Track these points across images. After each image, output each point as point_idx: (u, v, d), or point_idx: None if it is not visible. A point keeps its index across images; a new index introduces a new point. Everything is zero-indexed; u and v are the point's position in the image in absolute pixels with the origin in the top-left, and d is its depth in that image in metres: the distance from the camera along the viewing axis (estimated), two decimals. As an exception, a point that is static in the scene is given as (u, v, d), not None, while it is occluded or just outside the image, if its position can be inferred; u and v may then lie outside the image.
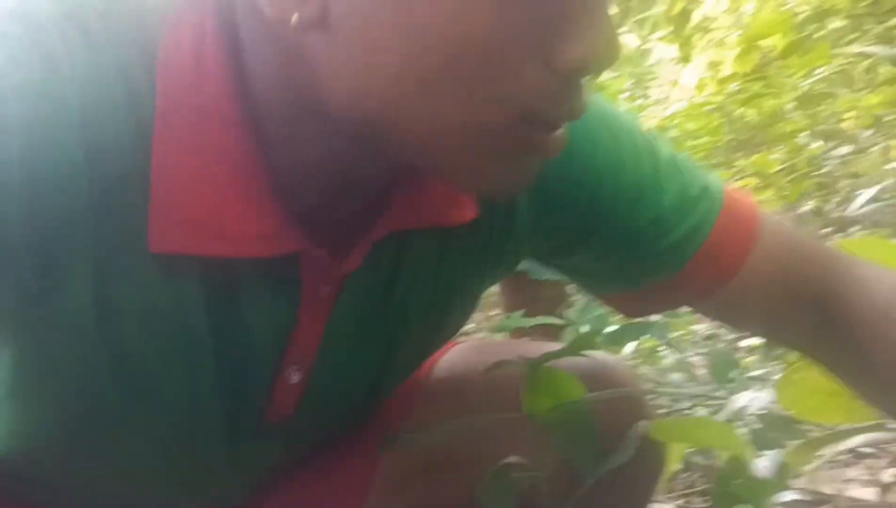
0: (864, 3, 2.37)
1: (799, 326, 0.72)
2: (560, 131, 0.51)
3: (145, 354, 0.55)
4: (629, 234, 0.67)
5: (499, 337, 1.38)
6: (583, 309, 1.08)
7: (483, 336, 1.63)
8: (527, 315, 1.07)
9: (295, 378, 0.62)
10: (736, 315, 0.74)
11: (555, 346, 0.83)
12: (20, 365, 0.55)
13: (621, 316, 1.18)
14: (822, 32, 2.20)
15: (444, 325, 0.73)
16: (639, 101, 4.81)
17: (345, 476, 0.78)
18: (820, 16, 2.05)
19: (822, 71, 2.15)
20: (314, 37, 0.48)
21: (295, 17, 0.46)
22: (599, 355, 0.79)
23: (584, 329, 1.05)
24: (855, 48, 1.89)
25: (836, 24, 2.39)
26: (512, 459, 0.71)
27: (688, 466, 1.30)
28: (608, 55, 0.48)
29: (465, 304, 0.73)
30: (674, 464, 0.86)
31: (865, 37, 2.28)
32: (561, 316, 1.12)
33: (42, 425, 0.59)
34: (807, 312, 0.70)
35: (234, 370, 0.59)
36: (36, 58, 0.48)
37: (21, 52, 0.49)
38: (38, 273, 0.50)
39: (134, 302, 0.53)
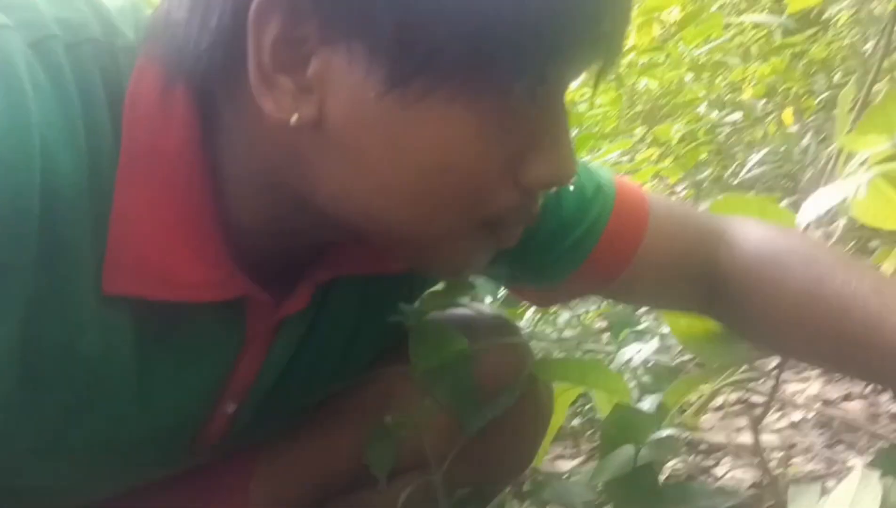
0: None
1: (692, 296, 0.77)
2: (515, 231, 0.58)
3: (68, 398, 0.55)
4: (536, 243, 0.72)
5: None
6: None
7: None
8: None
9: (230, 409, 0.65)
10: (637, 294, 0.80)
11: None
12: None
13: None
14: (718, 4, 2.27)
15: (367, 350, 0.76)
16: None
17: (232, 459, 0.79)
18: (712, -12, 2.12)
19: (717, 42, 2.22)
20: (307, 136, 0.50)
21: (294, 117, 0.49)
22: (479, 307, 0.82)
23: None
24: (746, 18, 1.96)
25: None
26: (392, 415, 0.73)
27: (591, 424, 1.35)
28: (569, 172, 0.54)
29: (389, 330, 0.76)
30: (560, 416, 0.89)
31: (758, 6, 2.36)
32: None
33: None
34: (697, 281, 0.76)
35: (166, 404, 0.60)
36: (1, 91, 0.47)
37: None
38: None
39: (63, 343, 0.53)
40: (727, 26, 2.15)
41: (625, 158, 2.09)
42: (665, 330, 1.02)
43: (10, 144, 0.46)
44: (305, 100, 0.49)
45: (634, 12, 2.96)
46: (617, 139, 2.08)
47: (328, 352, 0.70)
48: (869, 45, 2.37)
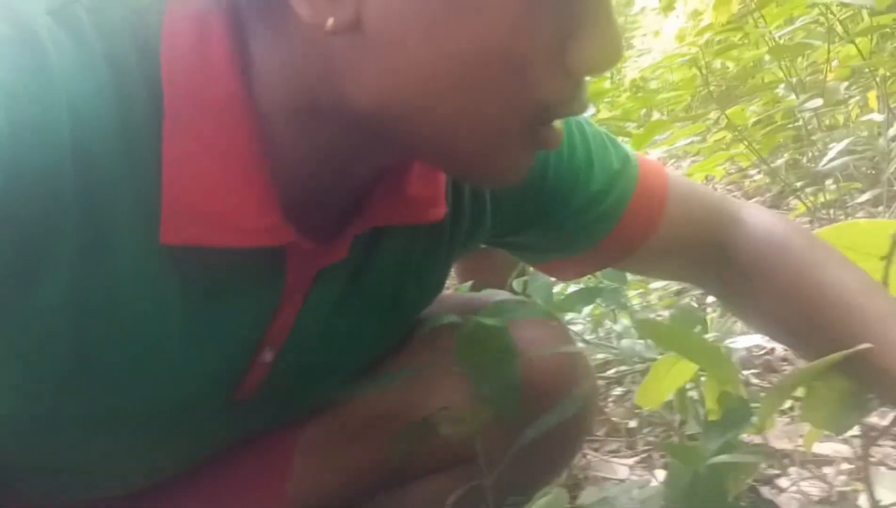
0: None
1: (702, 268, 0.81)
2: (559, 123, 0.55)
3: (119, 362, 0.55)
4: (569, 212, 0.75)
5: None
6: (527, 281, 1.08)
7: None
8: (477, 283, 1.08)
9: (268, 357, 0.63)
10: (655, 266, 0.83)
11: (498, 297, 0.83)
12: None
13: (563, 283, 1.22)
14: (801, -19, 2.16)
15: (409, 312, 0.76)
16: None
17: (271, 446, 0.78)
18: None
19: (800, 22, 2.12)
20: (345, 40, 0.48)
21: (330, 22, 0.47)
22: (531, 312, 0.80)
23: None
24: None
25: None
26: (441, 411, 0.70)
27: (648, 423, 1.30)
28: (617, 53, 0.52)
29: (430, 290, 0.76)
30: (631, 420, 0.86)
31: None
32: (510, 288, 1.12)
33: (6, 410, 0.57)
34: (708, 254, 0.79)
35: (211, 355, 0.59)
36: (24, 57, 0.47)
37: (8, 51, 0.47)
38: (15, 273, 0.49)
39: (111, 303, 0.53)
40: (811, 5, 2.03)
41: (695, 139, 2.01)
42: (731, 341, 0.97)
43: (36, 107, 0.46)
44: (341, 2, 0.47)
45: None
46: (687, 124, 2.00)
47: (370, 309, 0.69)
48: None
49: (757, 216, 0.79)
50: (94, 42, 0.50)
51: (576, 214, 0.75)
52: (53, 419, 0.57)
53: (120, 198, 0.50)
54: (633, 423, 1.15)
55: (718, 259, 0.79)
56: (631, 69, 4.19)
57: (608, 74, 4.50)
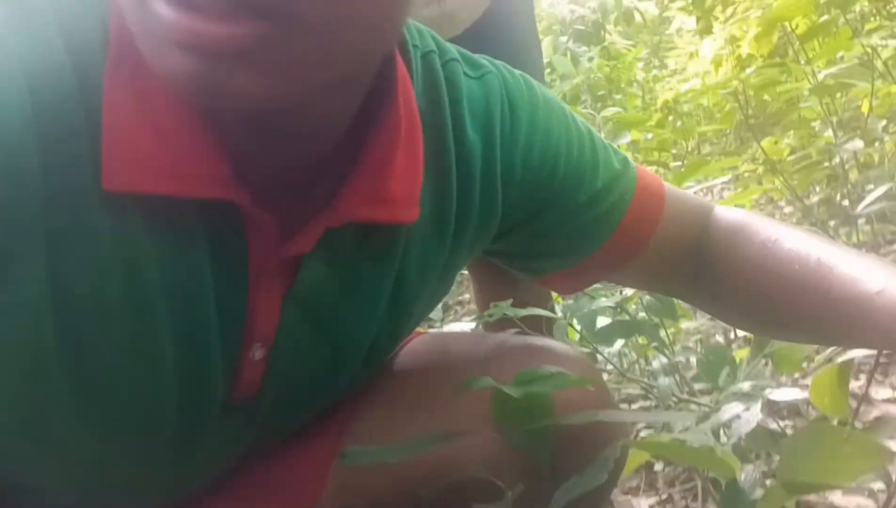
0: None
1: (685, 275, 0.81)
2: (232, 28, 0.44)
3: (99, 330, 0.54)
4: (574, 207, 0.75)
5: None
6: (572, 305, 1.08)
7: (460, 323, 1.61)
8: (516, 302, 1.06)
9: (258, 354, 0.62)
10: (648, 275, 0.83)
11: (523, 341, 0.82)
12: None
13: (610, 312, 1.21)
14: (845, 18, 2.15)
15: (413, 309, 0.73)
16: (654, 71, 4.75)
17: (303, 463, 0.77)
18: (845, 4, 1.99)
19: (842, 61, 2.10)
20: None
21: None
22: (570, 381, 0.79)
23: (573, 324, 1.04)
24: (875, 39, 1.84)
25: (861, 4, 2.33)
26: (476, 475, 0.70)
27: (669, 461, 1.29)
28: None
29: (436, 287, 0.74)
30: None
31: (890, 24, 2.22)
32: (551, 310, 1.11)
33: None
34: (689, 261, 0.80)
35: (195, 340, 0.58)
36: None
37: None
38: None
39: (87, 270, 0.52)
40: (855, 44, 2.02)
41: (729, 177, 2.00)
42: (769, 393, 0.96)
43: None
44: None
45: (756, 18, 2.83)
46: (727, 154, 1.98)
47: (367, 306, 0.67)
48: None
49: (725, 212, 0.82)
50: (42, 6, 0.50)
51: (580, 210, 0.75)
52: (48, 425, 0.56)
53: (80, 148, 0.50)
54: (658, 466, 1.15)
55: (696, 263, 0.80)
56: (664, 89, 4.17)
57: (639, 93, 4.47)
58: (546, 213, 0.75)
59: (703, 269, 0.80)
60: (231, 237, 0.57)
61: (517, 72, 0.74)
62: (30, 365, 0.53)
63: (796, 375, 1.41)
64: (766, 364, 1.20)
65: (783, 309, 0.73)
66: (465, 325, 1.86)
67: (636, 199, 0.78)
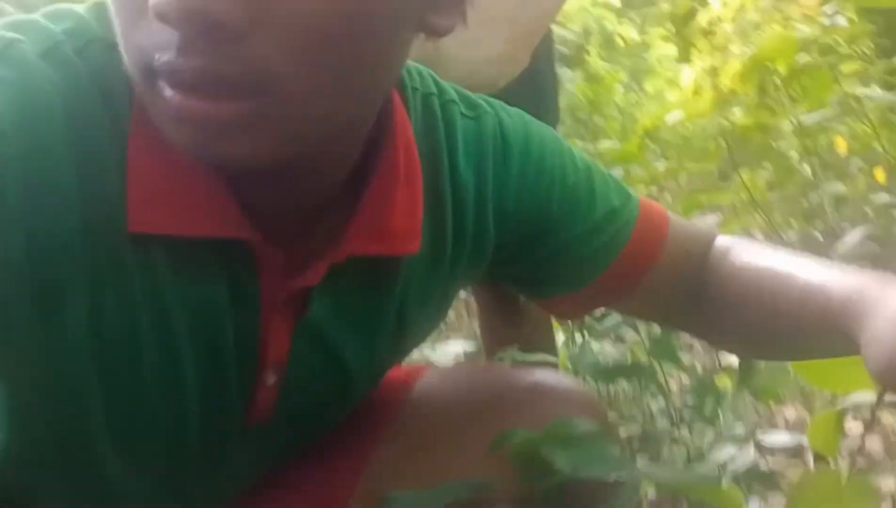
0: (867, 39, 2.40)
1: (684, 304, 0.83)
2: (214, 103, 0.48)
3: (129, 361, 0.59)
4: (572, 237, 0.77)
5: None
6: (577, 351, 1.12)
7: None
8: (523, 343, 1.10)
9: (271, 380, 0.66)
10: (647, 304, 0.84)
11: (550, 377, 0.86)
12: (13, 393, 0.58)
13: (609, 354, 1.25)
14: (827, 62, 2.23)
15: (415, 333, 0.78)
16: (633, 96, 4.83)
17: (324, 491, 0.80)
18: (825, 49, 2.08)
19: (823, 104, 2.18)
20: None
21: None
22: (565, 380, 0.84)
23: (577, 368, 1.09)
24: (858, 89, 1.92)
25: (841, 51, 2.42)
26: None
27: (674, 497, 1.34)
28: (176, 12, 0.44)
29: (430, 317, 0.78)
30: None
31: (871, 71, 2.31)
32: (552, 352, 1.16)
33: (28, 444, 0.61)
34: (690, 289, 0.82)
35: (215, 368, 0.63)
36: (24, 96, 0.53)
37: (9, 90, 0.53)
38: (40, 294, 0.54)
39: (121, 305, 0.57)
40: (836, 90, 2.10)
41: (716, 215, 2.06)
42: (761, 436, 1.02)
43: (37, 129, 0.53)
44: None
45: (739, 53, 2.91)
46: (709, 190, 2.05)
47: (373, 332, 0.71)
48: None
49: (724, 237, 0.84)
50: (82, 75, 0.55)
51: (578, 240, 0.77)
52: (81, 447, 0.60)
53: (113, 194, 0.55)
54: (651, 493, 1.20)
55: (695, 292, 0.82)
56: (643, 114, 4.25)
57: (619, 117, 4.55)
58: (543, 243, 0.77)
59: (701, 295, 0.82)
60: (244, 272, 0.61)
61: (513, 110, 0.78)
62: (66, 393, 0.58)
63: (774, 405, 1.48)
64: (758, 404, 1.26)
65: (772, 326, 0.75)
66: (456, 346, 1.90)
67: (638, 230, 0.79)
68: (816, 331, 0.69)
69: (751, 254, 0.78)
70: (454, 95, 0.75)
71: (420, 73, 0.74)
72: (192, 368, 0.61)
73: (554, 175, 0.75)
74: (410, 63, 0.72)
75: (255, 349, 0.64)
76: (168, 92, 0.48)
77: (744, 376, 1.22)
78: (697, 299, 0.82)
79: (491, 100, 0.77)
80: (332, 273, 0.64)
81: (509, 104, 0.79)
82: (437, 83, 0.75)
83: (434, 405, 0.85)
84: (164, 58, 0.47)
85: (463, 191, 0.72)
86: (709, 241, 0.84)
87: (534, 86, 1.20)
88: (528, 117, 0.79)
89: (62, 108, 0.54)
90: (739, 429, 1.03)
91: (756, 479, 0.99)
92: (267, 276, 0.62)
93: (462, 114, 0.73)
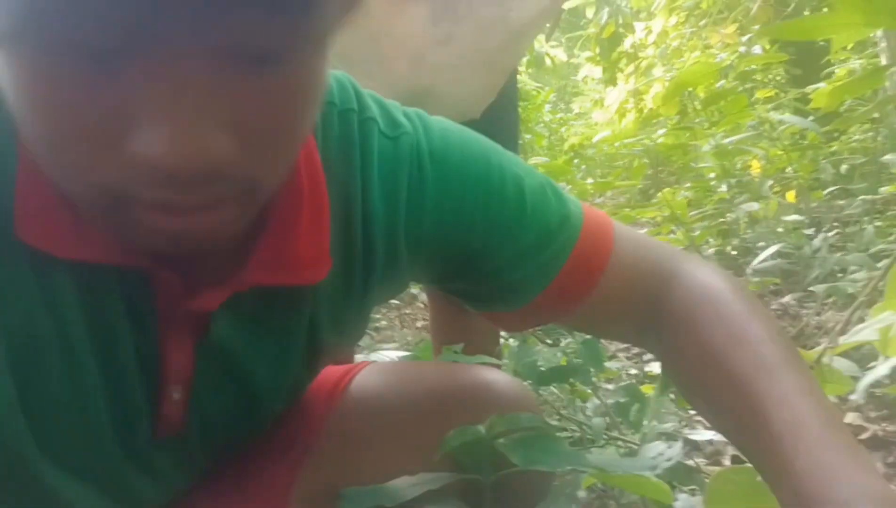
0: (781, 67, 2.55)
1: (636, 324, 0.78)
2: (201, 217, 0.48)
3: (36, 363, 0.57)
4: (499, 264, 0.72)
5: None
6: (517, 353, 1.18)
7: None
8: (467, 346, 1.15)
9: (176, 396, 0.65)
10: (593, 321, 0.80)
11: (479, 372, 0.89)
12: None
13: (548, 359, 1.30)
14: (743, 88, 2.37)
15: (323, 357, 0.76)
16: (560, 114, 4.97)
17: (263, 487, 0.80)
18: (742, 75, 2.21)
19: (739, 127, 2.31)
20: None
21: None
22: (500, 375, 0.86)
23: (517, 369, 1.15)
24: (772, 114, 2.05)
25: (757, 78, 2.57)
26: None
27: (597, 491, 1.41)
28: (175, 153, 0.44)
29: (349, 328, 0.76)
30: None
31: (784, 98, 2.46)
32: (496, 356, 1.22)
33: None
34: (644, 310, 0.77)
35: (117, 380, 0.62)
36: None
37: None
38: None
39: (16, 304, 0.56)
40: (752, 113, 2.23)
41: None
42: (689, 432, 1.09)
43: None
44: None
45: (662, 78, 3.05)
46: (631, 206, 2.15)
47: (282, 350, 0.70)
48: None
49: (696, 269, 0.75)
50: None
51: (507, 267, 0.72)
52: (9, 453, 0.59)
53: (5, 216, 0.53)
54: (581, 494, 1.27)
55: (652, 313, 0.76)
56: (569, 132, 4.38)
57: (546, 134, 4.68)
58: (470, 268, 0.73)
59: (657, 327, 0.76)
60: (139, 292, 0.60)
61: (437, 127, 0.74)
62: None
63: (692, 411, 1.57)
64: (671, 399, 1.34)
65: (717, 405, 0.70)
66: (391, 353, 1.96)
67: (580, 246, 0.74)
68: (755, 456, 0.63)
69: (726, 329, 0.69)
70: (375, 112, 0.71)
71: (342, 85, 0.71)
72: (96, 379, 0.61)
73: (477, 202, 0.71)
74: (333, 72, 0.70)
75: (157, 364, 0.63)
76: (149, 216, 0.48)
77: (665, 382, 1.30)
78: (653, 331, 0.77)
79: (420, 117, 0.74)
80: (232, 298, 0.62)
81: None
82: (359, 97, 0.71)
83: (373, 400, 0.85)
84: (150, 194, 0.46)
85: (372, 221, 0.69)
86: (669, 260, 0.77)
87: (499, 113, 1.28)
88: (454, 137, 0.74)
89: None
90: (669, 427, 1.09)
91: (681, 474, 1.06)
92: (163, 297, 0.61)
93: (381, 133, 0.70)
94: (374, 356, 1.95)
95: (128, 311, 0.60)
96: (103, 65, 0.44)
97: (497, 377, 0.87)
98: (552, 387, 1.28)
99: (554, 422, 1.24)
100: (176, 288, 0.59)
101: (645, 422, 1.18)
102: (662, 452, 1.05)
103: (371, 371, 0.89)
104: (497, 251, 0.72)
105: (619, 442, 1.17)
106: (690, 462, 1.04)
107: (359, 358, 1.96)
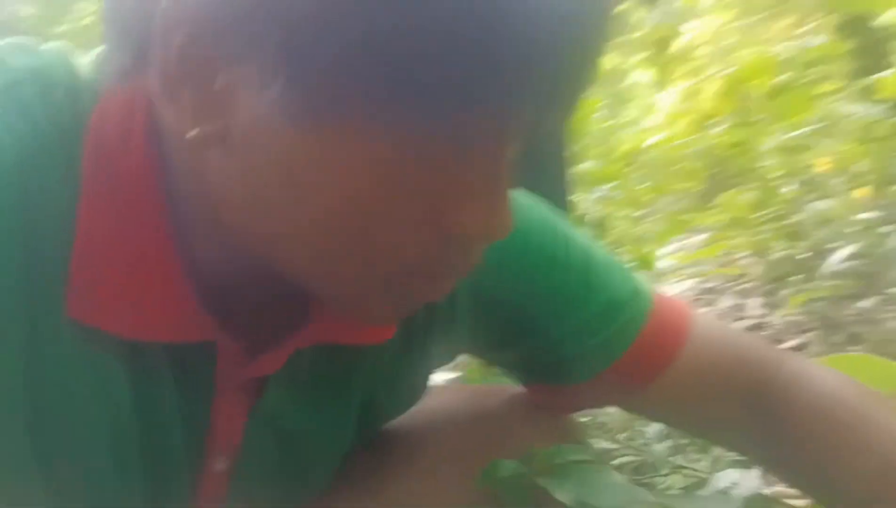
0: (844, 53, 2.41)
1: (730, 423, 0.74)
2: (447, 280, 0.54)
3: (69, 431, 0.54)
4: (554, 338, 0.69)
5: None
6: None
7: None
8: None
9: (220, 466, 0.61)
10: (667, 413, 0.77)
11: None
12: None
13: None
14: (806, 80, 2.23)
15: (382, 419, 0.73)
16: (611, 122, 4.84)
17: None
18: (803, 67, 2.08)
19: (804, 125, 2.18)
20: (214, 153, 0.48)
21: (194, 132, 0.46)
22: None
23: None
24: (839, 106, 1.91)
25: (819, 69, 2.43)
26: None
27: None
28: (503, 225, 0.50)
29: (405, 398, 0.73)
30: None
31: (849, 88, 2.31)
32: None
33: None
34: (738, 408, 0.73)
35: (159, 453, 0.58)
36: None
37: None
38: None
39: (60, 376, 0.52)
40: (816, 107, 2.10)
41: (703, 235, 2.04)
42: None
43: None
44: (206, 116, 0.46)
45: (719, 78, 2.93)
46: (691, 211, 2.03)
47: (335, 418, 0.67)
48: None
49: (814, 373, 0.73)
50: (40, 119, 0.50)
51: (570, 337, 0.70)
52: None
53: (59, 265, 0.50)
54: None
55: (751, 413, 0.73)
56: (620, 141, 4.26)
57: (597, 144, 4.56)
58: (527, 338, 0.71)
59: (769, 430, 0.73)
60: (198, 363, 0.57)
61: None
62: (4, 463, 0.52)
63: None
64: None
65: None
66: (439, 376, 1.86)
67: (648, 329, 0.71)
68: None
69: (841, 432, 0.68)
70: None
71: None
72: (139, 455, 0.57)
73: (539, 269, 0.69)
74: None
75: (203, 436, 0.60)
76: (413, 286, 0.52)
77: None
78: (755, 427, 0.73)
79: None
80: (292, 359, 0.59)
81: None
82: None
83: (406, 428, 0.79)
84: (449, 261, 0.51)
85: None
86: (758, 353, 0.75)
87: (545, 157, 1.19)
88: (520, 200, 0.71)
89: (14, 157, 0.49)
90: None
91: (761, 505, 0.95)
92: (223, 366, 0.58)
93: None
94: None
95: (181, 382, 0.57)
96: (463, 145, 0.46)
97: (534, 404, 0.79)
98: (607, 408, 1.18)
99: (609, 446, 1.14)
100: (238, 356, 0.58)
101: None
102: (736, 481, 0.94)
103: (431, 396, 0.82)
104: (558, 322, 0.69)
105: (686, 471, 1.06)
106: (768, 492, 0.93)
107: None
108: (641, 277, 0.74)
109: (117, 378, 0.54)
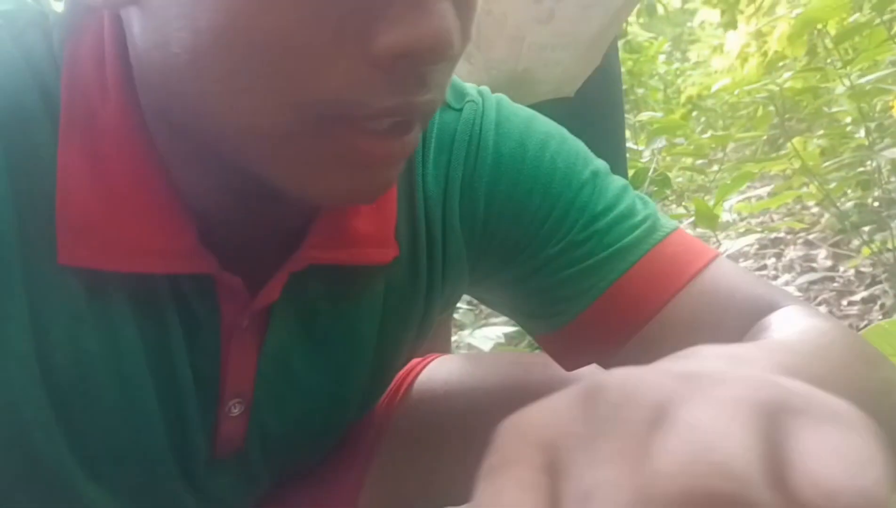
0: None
1: None
2: (405, 137, 0.47)
3: (84, 385, 0.53)
4: (546, 258, 0.63)
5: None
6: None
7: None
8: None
9: (236, 411, 0.60)
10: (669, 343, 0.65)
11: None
12: None
13: None
14: (881, 20, 2.11)
15: (397, 355, 0.70)
16: (676, 64, 4.71)
17: (330, 495, 0.76)
18: (878, 6, 1.97)
19: (878, 64, 2.07)
20: (134, 19, 0.47)
21: None
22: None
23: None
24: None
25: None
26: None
27: None
28: (435, 33, 0.42)
29: (416, 332, 0.69)
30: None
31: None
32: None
33: None
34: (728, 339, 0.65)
35: (174, 400, 0.57)
36: None
37: None
38: None
39: (67, 327, 0.52)
40: (892, 39, 1.99)
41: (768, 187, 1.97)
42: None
43: None
44: None
45: (788, 18, 2.80)
46: (758, 158, 1.96)
47: (347, 353, 0.64)
48: None
49: (791, 320, 0.60)
50: (14, 54, 0.50)
51: (564, 253, 0.63)
52: (56, 481, 0.55)
53: (48, 210, 0.49)
54: None
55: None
56: (686, 84, 4.14)
57: (661, 87, 4.44)
58: (515, 261, 0.65)
59: None
60: (200, 299, 0.56)
61: (510, 104, 0.67)
62: (21, 425, 0.53)
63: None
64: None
65: None
66: (497, 330, 1.85)
67: (651, 257, 0.63)
68: None
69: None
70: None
71: None
72: (153, 398, 0.56)
73: (536, 180, 0.63)
74: None
75: (216, 378, 0.58)
76: (357, 138, 0.45)
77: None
78: None
79: (496, 95, 0.67)
80: (294, 289, 0.57)
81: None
82: None
83: (440, 399, 0.79)
84: (378, 103, 0.44)
85: (431, 203, 0.63)
86: (759, 299, 0.64)
87: (603, 80, 1.20)
88: (521, 112, 0.66)
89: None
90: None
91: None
92: (225, 302, 0.56)
93: (446, 104, 0.64)
94: (479, 332, 1.86)
95: (183, 324, 0.56)
96: None
97: (583, 372, 0.72)
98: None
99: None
100: (239, 291, 0.56)
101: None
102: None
103: (437, 366, 0.83)
104: (551, 237, 0.63)
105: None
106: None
107: (463, 334, 1.88)
108: (660, 212, 0.67)
109: (124, 327, 0.54)
